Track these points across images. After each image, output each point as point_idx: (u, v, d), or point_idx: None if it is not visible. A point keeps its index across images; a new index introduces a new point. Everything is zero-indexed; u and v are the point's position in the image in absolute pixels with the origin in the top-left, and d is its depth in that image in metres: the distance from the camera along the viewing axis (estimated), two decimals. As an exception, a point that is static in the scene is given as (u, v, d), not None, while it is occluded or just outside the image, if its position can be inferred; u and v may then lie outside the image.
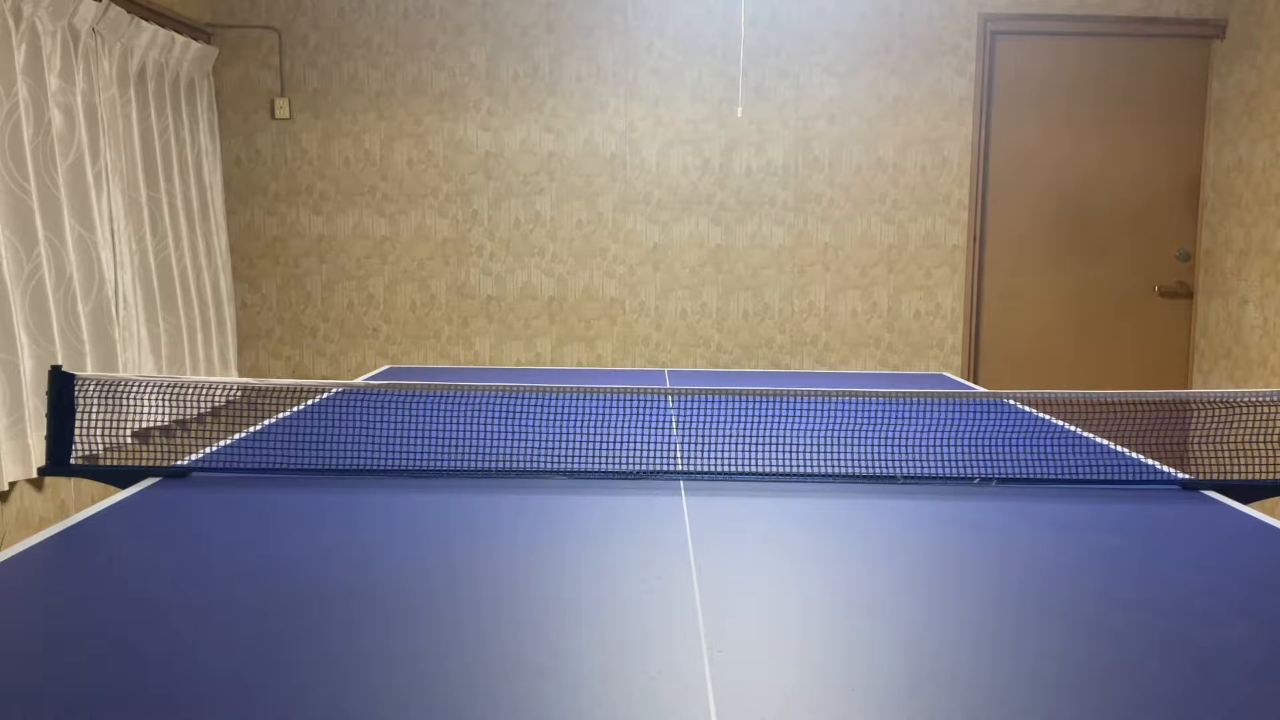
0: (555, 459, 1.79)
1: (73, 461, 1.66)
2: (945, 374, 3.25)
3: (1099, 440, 2.03)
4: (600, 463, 1.75)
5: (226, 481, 1.65)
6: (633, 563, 1.27)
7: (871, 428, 2.10)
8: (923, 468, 1.76)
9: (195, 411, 3.74)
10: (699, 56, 4.08)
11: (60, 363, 2.92)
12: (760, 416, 2.20)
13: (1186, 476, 1.70)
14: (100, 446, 1.71)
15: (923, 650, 1.01)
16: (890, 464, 1.79)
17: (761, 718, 0.88)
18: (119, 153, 3.30)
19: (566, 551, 1.31)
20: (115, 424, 1.71)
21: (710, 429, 2.09)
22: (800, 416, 2.19)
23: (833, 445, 1.92)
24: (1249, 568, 1.27)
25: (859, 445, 1.93)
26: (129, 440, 3.37)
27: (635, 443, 1.91)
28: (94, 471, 1.70)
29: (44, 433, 1.65)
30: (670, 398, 2.44)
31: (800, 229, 4.19)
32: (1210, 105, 4.17)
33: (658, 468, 1.73)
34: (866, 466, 1.77)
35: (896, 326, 4.27)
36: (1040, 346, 4.33)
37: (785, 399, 2.31)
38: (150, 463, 1.72)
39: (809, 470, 1.74)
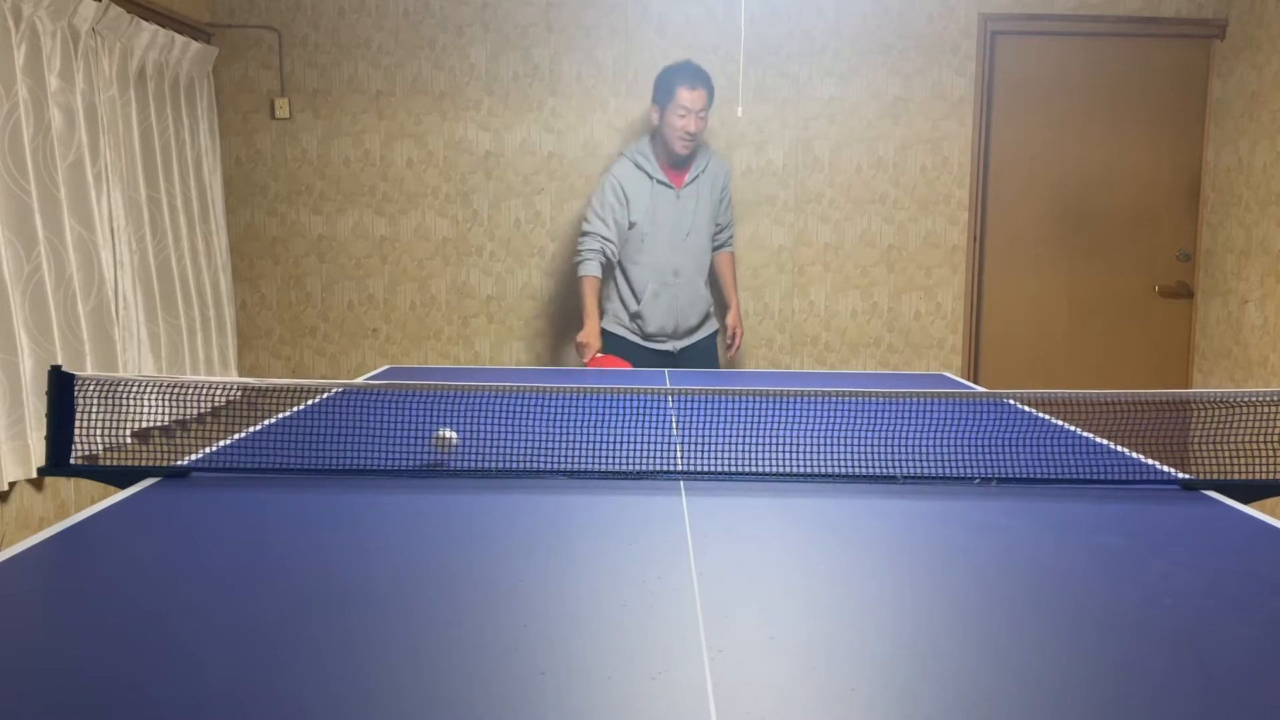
0: (555, 459, 1.79)
1: (72, 461, 1.66)
2: (945, 374, 3.25)
3: (1099, 440, 2.03)
4: (600, 463, 1.75)
5: (226, 481, 1.65)
6: (633, 563, 1.27)
7: (871, 428, 2.10)
8: (923, 468, 1.76)
9: (195, 411, 3.74)
10: (699, 56, 4.07)
11: (60, 363, 2.92)
12: (760, 416, 2.20)
13: (1186, 476, 1.70)
14: (100, 446, 1.71)
15: (923, 650, 1.01)
16: (890, 464, 1.79)
17: (761, 718, 0.88)
18: (119, 153, 3.30)
19: (567, 551, 1.31)
20: (115, 424, 1.71)
21: (710, 429, 2.09)
22: (800, 416, 2.19)
23: (833, 445, 1.92)
24: (1249, 568, 1.27)
25: (859, 445, 1.93)
26: (129, 440, 3.37)
27: (635, 443, 1.91)
28: (94, 471, 1.70)
29: (44, 433, 1.65)
30: (670, 398, 2.44)
31: (800, 229, 4.19)
32: (1210, 105, 4.17)
33: (658, 468, 1.73)
34: (866, 466, 1.77)
35: (896, 326, 4.27)
36: (1040, 346, 4.33)
37: (785, 399, 2.31)
38: (150, 463, 1.72)
39: (809, 470, 1.74)
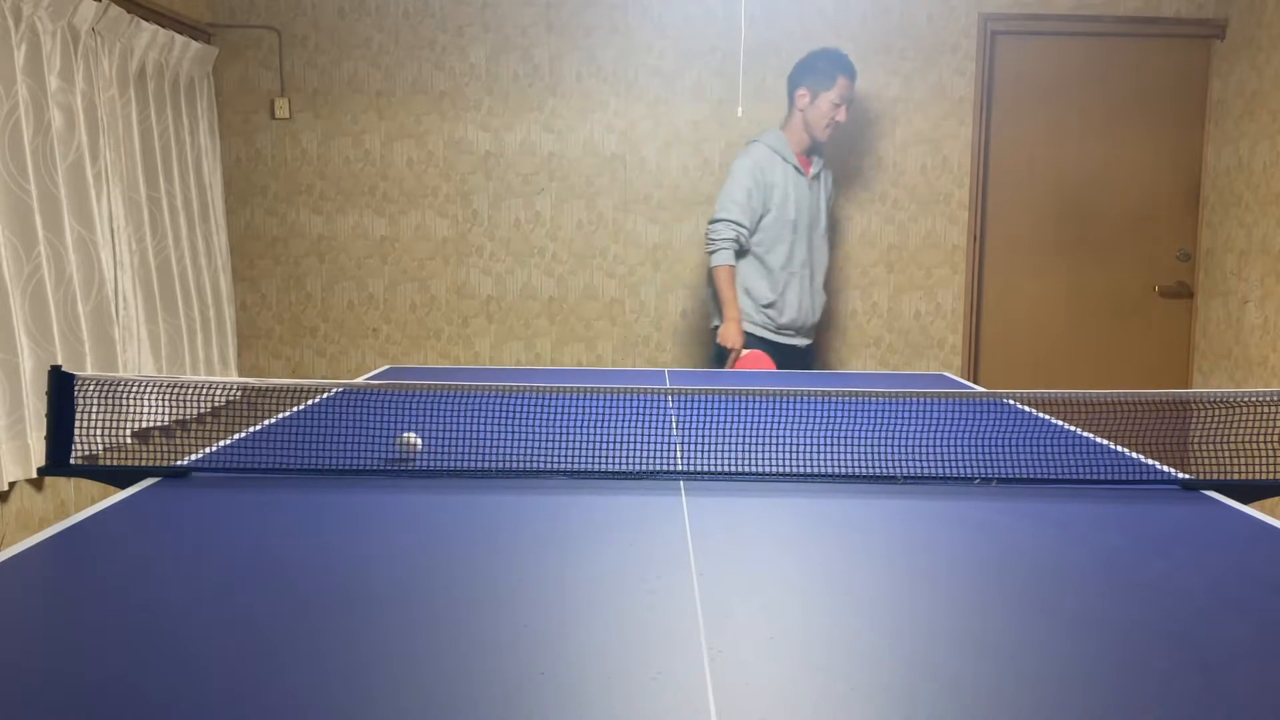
0: (555, 459, 1.79)
1: (72, 461, 1.66)
2: (945, 374, 3.25)
3: (1099, 440, 2.03)
4: (600, 463, 1.75)
5: (226, 481, 1.65)
6: (633, 563, 1.27)
7: (871, 428, 2.10)
8: (923, 468, 1.76)
9: (195, 411, 3.75)
10: (699, 56, 4.07)
11: (60, 363, 2.92)
12: (760, 416, 2.20)
13: (1186, 476, 1.70)
14: (100, 446, 1.72)
15: (923, 650, 1.01)
16: (891, 464, 1.79)
17: (761, 718, 0.88)
18: (119, 153, 3.30)
19: (566, 552, 1.31)
20: (115, 424, 1.71)
21: (710, 429, 2.09)
22: (800, 416, 2.19)
23: (833, 445, 1.92)
24: (1249, 568, 1.27)
25: (859, 445, 1.93)
26: (129, 440, 3.37)
27: (635, 443, 1.91)
28: (94, 471, 1.70)
29: (44, 433, 1.65)
30: (670, 398, 2.44)
31: (800, 229, 4.19)
32: (1210, 105, 4.17)
33: (658, 468, 1.73)
34: (867, 466, 1.77)
35: (896, 326, 4.27)
36: (1040, 346, 4.33)
37: (785, 399, 2.31)
38: (150, 463, 1.72)
39: (809, 470, 1.74)
